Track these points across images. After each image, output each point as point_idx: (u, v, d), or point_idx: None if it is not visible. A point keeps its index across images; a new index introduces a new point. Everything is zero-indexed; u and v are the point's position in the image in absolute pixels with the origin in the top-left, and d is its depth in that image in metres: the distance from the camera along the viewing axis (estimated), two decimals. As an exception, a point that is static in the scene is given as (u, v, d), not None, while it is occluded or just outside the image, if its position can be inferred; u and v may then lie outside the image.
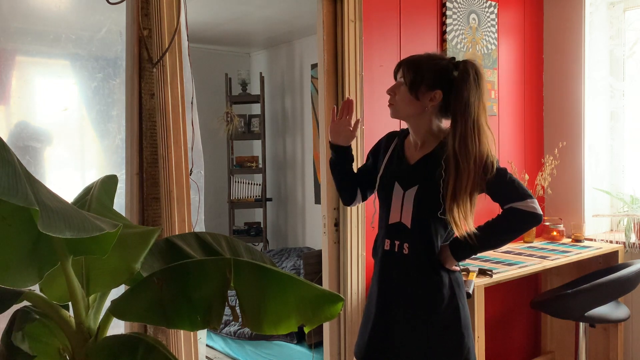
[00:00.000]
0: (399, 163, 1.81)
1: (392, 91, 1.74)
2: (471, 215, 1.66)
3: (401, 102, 1.72)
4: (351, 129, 1.83)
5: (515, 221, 1.68)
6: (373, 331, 1.78)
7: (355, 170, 1.93)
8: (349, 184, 1.92)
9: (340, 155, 1.87)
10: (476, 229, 1.69)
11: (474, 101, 1.63)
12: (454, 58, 1.73)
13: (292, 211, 5.23)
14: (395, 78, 1.75)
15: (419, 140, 1.77)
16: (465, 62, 1.67)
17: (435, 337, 1.71)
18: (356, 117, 1.99)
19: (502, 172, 1.68)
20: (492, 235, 1.71)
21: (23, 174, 0.98)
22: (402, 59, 1.77)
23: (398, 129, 2.52)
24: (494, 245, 1.78)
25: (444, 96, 1.69)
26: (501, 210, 1.70)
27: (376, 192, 1.85)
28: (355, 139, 1.89)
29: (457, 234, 1.68)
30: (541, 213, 1.68)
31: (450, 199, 1.63)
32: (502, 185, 1.67)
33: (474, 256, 1.80)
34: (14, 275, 1.12)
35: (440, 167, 1.66)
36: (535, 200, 1.68)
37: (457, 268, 1.79)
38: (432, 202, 1.68)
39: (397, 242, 1.75)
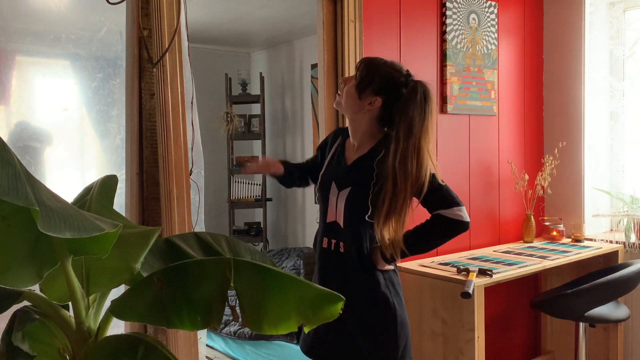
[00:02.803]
0: (337, 163, 1.86)
1: (343, 82, 1.82)
2: (401, 230, 1.69)
3: (346, 95, 1.78)
4: (271, 168, 1.98)
5: (442, 228, 1.74)
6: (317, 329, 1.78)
7: (300, 166, 2.05)
8: (300, 181, 2.06)
9: (284, 177, 2.00)
10: (405, 233, 1.73)
11: (418, 122, 1.65)
12: (410, 75, 1.75)
13: (292, 211, 5.23)
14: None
15: (356, 142, 1.82)
16: (417, 82, 1.70)
17: (370, 335, 1.73)
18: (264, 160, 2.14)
19: (431, 178, 1.69)
20: (421, 241, 1.76)
21: (23, 174, 0.98)
22: (365, 57, 1.84)
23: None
24: (422, 250, 1.83)
25: (385, 106, 1.73)
26: (432, 216, 1.75)
27: (316, 191, 1.91)
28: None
29: (383, 245, 1.71)
30: (468, 220, 1.72)
31: (383, 217, 1.66)
32: (430, 193, 1.69)
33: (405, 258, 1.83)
34: (14, 275, 1.12)
35: (372, 170, 1.71)
36: (463, 208, 1.72)
37: (390, 267, 1.80)
38: (361, 205, 1.72)
39: (333, 241, 1.80)
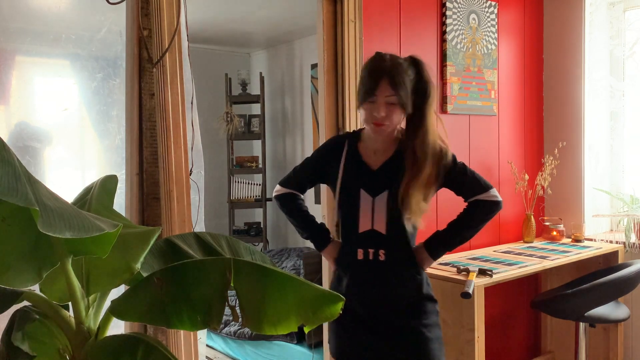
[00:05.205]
0: (358, 170, 1.79)
1: (386, 113, 1.66)
2: (426, 207, 1.71)
3: (396, 121, 1.69)
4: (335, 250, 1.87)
5: (482, 212, 1.78)
6: (359, 338, 1.77)
7: (302, 200, 1.97)
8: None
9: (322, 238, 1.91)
10: (448, 225, 1.81)
11: (432, 95, 1.70)
12: (412, 64, 1.71)
13: (292, 211, 5.22)
14: (374, 91, 1.64)
15: (382, 147, 1.77)
16: (414, 60, 1.70)
17: (428, 335, 1.75)
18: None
19: (463, 166, 1.77)
20: (464, 229, 1.80)
21: (23, 174, 0.98)
22: (378, 71, 1.65)
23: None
24: (465, 239, 1.83)
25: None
26: (467, 204, 1.80)
27: (338, 202, 1.81)
28: None
29: (415, 223, 1.73)
30: (501, 199, 1.79)
31: (409, 189, 1.67)
32: (465, 180, 1.76)
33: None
34: (14, 275, 1.12)
35: (404, 169, 1.70)
36: (495, 189, 1.79)
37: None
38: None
39: (371, 250, 1.74)
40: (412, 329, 1.74)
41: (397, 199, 1.69)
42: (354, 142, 1.82)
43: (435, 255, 1.79)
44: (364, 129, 1.82)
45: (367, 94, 1.66)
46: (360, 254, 1.75)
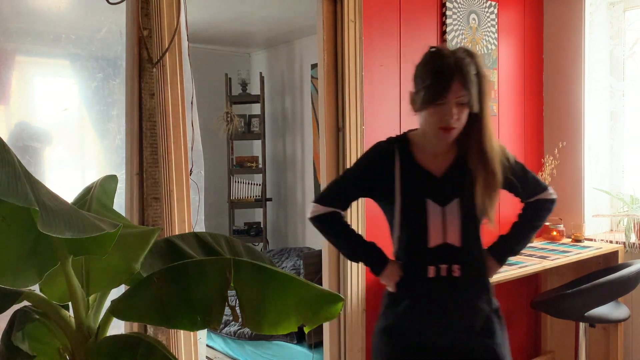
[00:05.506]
0: (420, 178, 1.61)
1: (457, 116, 1.51)
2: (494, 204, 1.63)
3: (464, 123, 1.55)
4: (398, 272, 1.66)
5: (546, 211, 1.72)
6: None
7: (343, 216, 1.74)
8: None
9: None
10: (512, 228, 1.73)
11: (489, 90, 1.58)
12: (469, 55, 1.53)
13: (292, 211, 5.23)
14: (445, 93, 1.48)
15: (442, 151, 1.62)
16: (470, 52, 1.53)
17: (503, 353, 1.62)
18: None
19: (522, 165, 1.70)
20: (531, 230, 1.73)
21: (23, 174, 0.98)
22: (447, 70, 1.48)
23: (399, 128, 2.52)
24: (529, 240, 1.76)
25: None
26: (526, 204, 1.73)
27: (400, 216, 1.61)
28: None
29: (492, 229, 1.67)
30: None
31: (488, 193, 1.57)
32: (527, 179, 1.70)
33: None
34: (14, 275, 1.13)
35: (471, 171, 1.58)
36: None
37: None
38: (476, 213, 1.60)
39: (443, 266, 1.57)
40: (487, 348, 1.59)
41: (472, 206, 1.57)
42: (406, 148, 1.64)
43: (502, 262, 1.69)
44: (411, 132, 1.68)
45: (435, 97, 1.48)
46: (431, 272, 1.58)
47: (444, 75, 1.47)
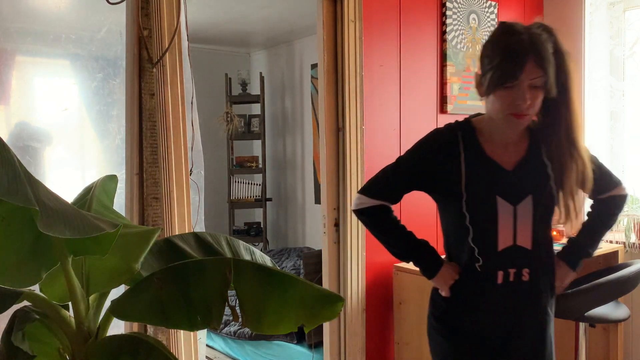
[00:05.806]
0: (489, 171, 1.43)
1: (531, 101, 1.32)
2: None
3: (538, 108, 1.36)
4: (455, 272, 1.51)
5: (619, 207, 1.57)
6: None
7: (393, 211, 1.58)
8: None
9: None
10: (584, 230, 1.57)
11: (572, 69, 1.36)
12: (547, 33, 1.34)
13: (292, 211, 5.23)
14: (518, 73, 1.30)
15: (513, 140, 1.44)
16: (547, 28, 1.34)
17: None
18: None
19: (597, 159, 1.52)
20: (605, 230, 1.58)
21: (23, 174, 0.98)
22: (520, 48, 1.29)
23: (399, 128, 2.50)
24: (601, 241, 1.60)
25: None
26: (598, 201, 1.57)
27: (465, 215, 1.42)
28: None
29: (571, 232, 1.52)
30: None
31: (573, 190, 1.41)
32: (602, 174, 1.52)
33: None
34: (14, 275, 1.12)
35: (546, 165, 1.41)
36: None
37: None
38: (551, 212, 1.44)
39: (512, 271, 1.43)
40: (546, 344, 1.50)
41: (545, 205, 1.42)
42: (471, 136, 1.45)
43: (576, 267, 1.54)
44: (474, 117, 1.50)
45: (505, 78, 1.30)
46: (500, 277, 1.43)
47: (516, 54, 1.28)
